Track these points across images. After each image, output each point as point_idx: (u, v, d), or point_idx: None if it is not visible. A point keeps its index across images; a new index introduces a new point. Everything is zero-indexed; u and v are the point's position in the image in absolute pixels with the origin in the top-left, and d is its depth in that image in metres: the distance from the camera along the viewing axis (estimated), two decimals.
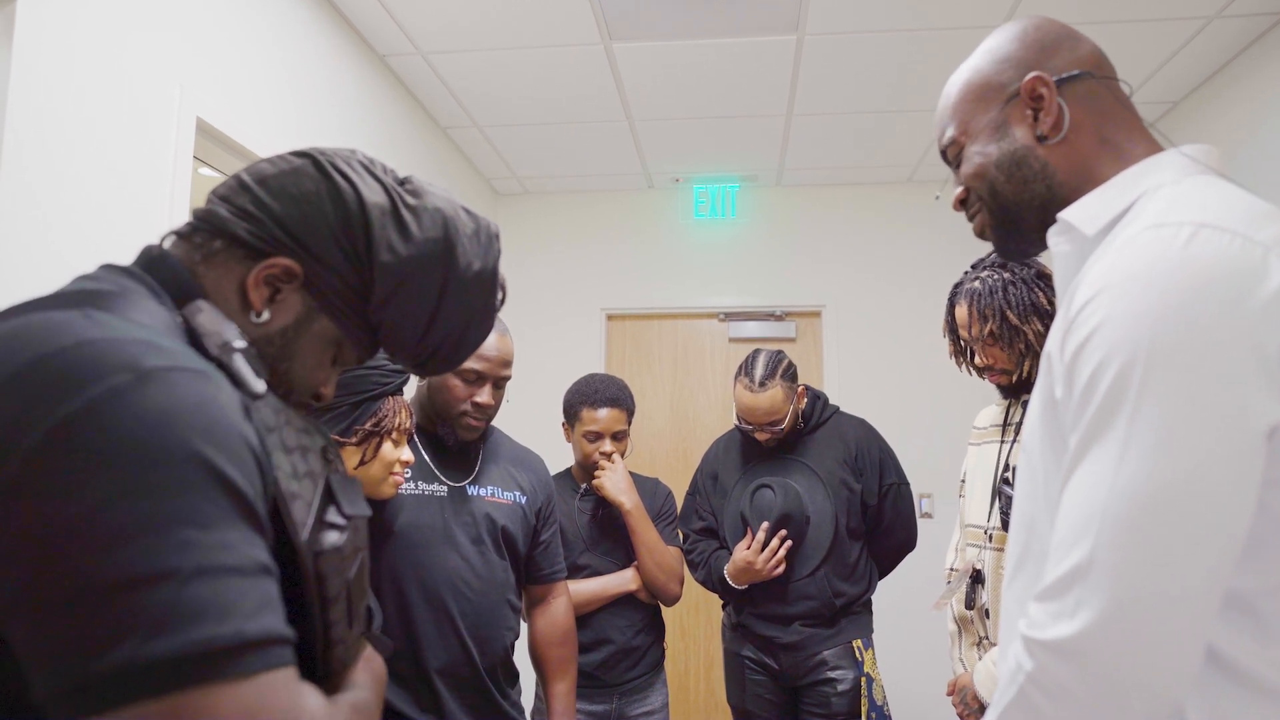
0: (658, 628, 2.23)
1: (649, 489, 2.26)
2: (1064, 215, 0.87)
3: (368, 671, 0.78)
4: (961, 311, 1.73)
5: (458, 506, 1.61)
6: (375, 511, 1.51)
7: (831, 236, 4.00)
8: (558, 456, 2.38)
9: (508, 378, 1.68)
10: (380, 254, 0.74)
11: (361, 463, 1.38)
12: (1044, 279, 1.68)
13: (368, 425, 1.38)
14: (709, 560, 2.29)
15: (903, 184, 3.97)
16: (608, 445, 2.15)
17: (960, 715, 1.77)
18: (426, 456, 1.63)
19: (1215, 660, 0.72)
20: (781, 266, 4.02)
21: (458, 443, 1.65)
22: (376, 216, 0.74)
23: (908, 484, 2.29)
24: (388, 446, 1.40)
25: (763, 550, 2.14)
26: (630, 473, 2.18)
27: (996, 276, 1.68)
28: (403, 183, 0.80)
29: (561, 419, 2.25)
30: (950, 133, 0.96)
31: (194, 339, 0.64)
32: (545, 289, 4.07)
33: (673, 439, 4.00)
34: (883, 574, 2.33)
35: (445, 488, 1.62)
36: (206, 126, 1.93)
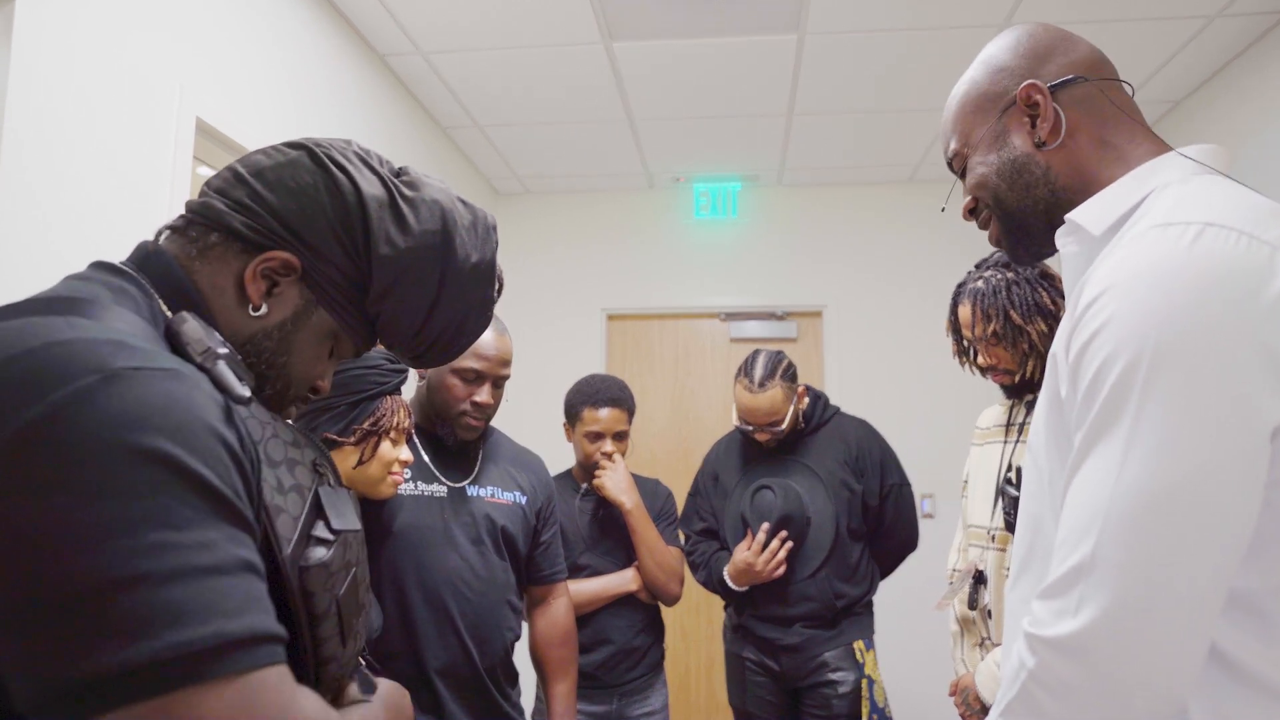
0: (658, 628, 2.23)
1: (649, 489, 2.25)
2: (1071, 216, 0.87)
3: (391, 708, 0.78)
4: (965, 311, 1.73)
5: (457, 507, 1.60)
6: (374, 512, 1.51)
7: (833, 236, 4.00)
8: (558, 457, 2.38)
9: (506, 377, 1.67)
10: (379, 247, 0.73)
11: (360, 462, 1.38)
12: (1047, 279, 1.68)
13: (366, 425, 1.37)
14: (710, 561, 2.28)
15: (904, 184, 3.97)
16: (609, 445, 2.14)
17: (962, 716, 1.76)
18: (426, 457, 1.63)
19: (1219, 660, 0.71)
20: (782, 266, 4.01)
21: (457, 443, 1.65)
22: (374, 209, 0.73)
23: (909, 485, 2.28)
24: (386, 446, 1.40)
25: (763, 551, 2.13)
26: (631, 473, 2.18)
27: (1000, 276, 1.68)
28: (399, 174, 0.79)
29: (562, 419, 2.25)
30: (954, 145, 0.98)
31: (177, 346, 0.62)
32: (545, 289, 4.06)
33: (673, 439, 3.99)
34: (884, 575, 2.32)
35: (445, 488, 1.61)
36: (206, 126, 1.93)
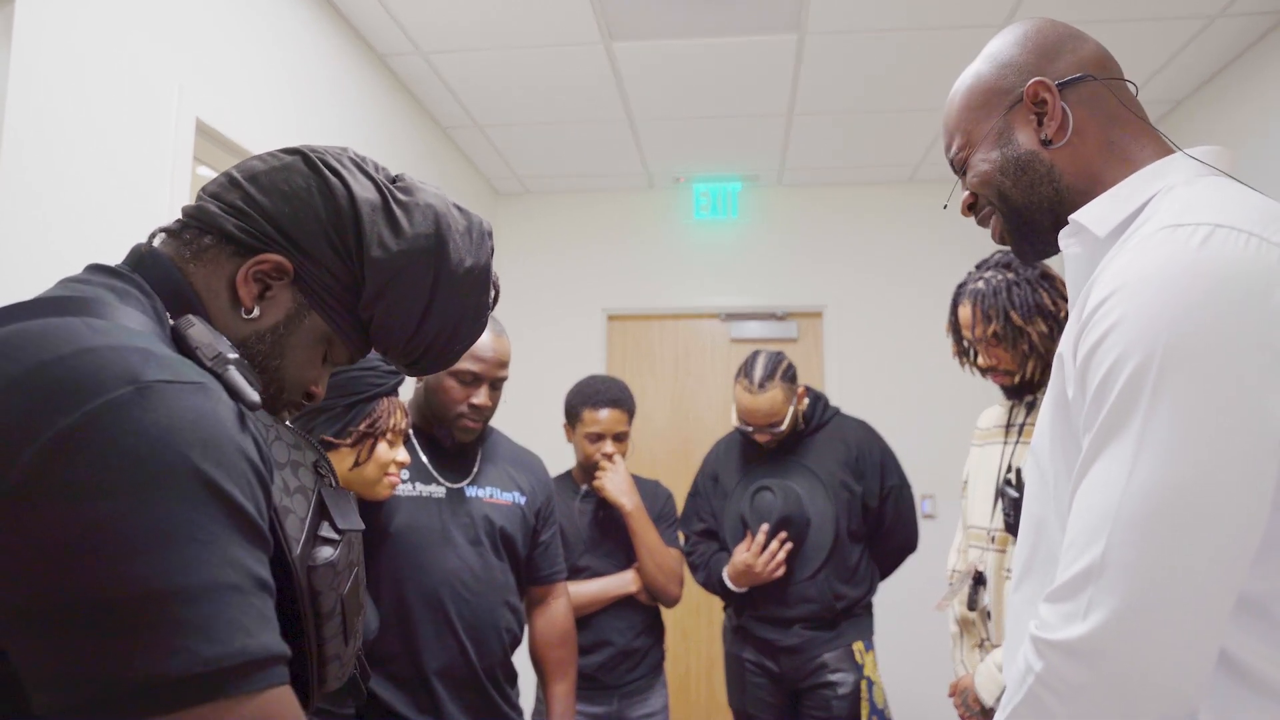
0: (658, 629, 2.23)
1: (649, 491, 2.25)
2: (1075, 217, 0.86)
3: None
4: (965, 312, 1.73)
5: (455, 508, 1.60)
6: (372, 513, 1.51)
7: (833, 236, 4.00)
8: (559, 457, 2.38)
9: (504, 379, 1.67)
10: (371, 250, 0.73)
11: (356, 464, 1.38)
12: (1048, 279, 1.68)
13: (362, 426, 1.37)
14: (709, 562, 2.28)
15: (904, 184, 3.96)
16: (609, 446, 2.14)
17: (962, 717, 1.76)
18: (424, 458, 1.63)
19: (1225, 663, 0.71)
20: (783, 267, 4.01)
21: (455, 444, 1.65)
22: (367, 212, 0.73)
23: (909, 486, 2.28)
24: (383, 447, 1.39)
25: (762, 552, 2.13)
26: (631, 474, 2.18)
27: (1000, 277, 1.68)
28: (394, 180, 0.79)
29: (562, 420, 2.25)
30: (956, 140, 0.96)
31: (185, 349, 0.63)
32: (545, 289, 4.06)
33: (674, 440, 3.99)
34: (884, 576, 2.32)
35: (443, 489, 1.61)
36: (206, 127, 1.93)
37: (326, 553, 0.72)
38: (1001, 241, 0.97)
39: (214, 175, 2.12)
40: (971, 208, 0.97)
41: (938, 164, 3.71)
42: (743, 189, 4.05)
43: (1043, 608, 0.74)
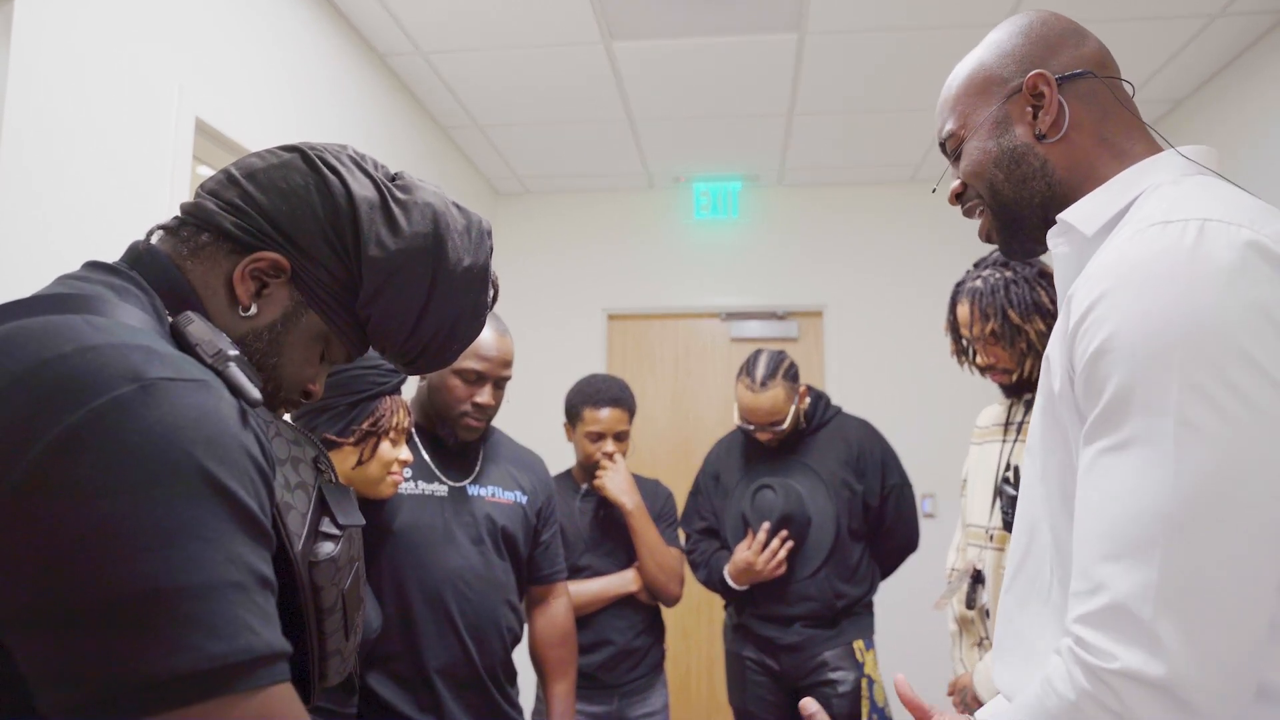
0: (658, 629, 2.23)
1: (649, 490, 2.25)
2: (1063, 216, 0.86)
3: None
4: (963, 310, 1.73)
5: (458, 506, 1.60)
6: (374, 511, 1.51)
7: (833, 236, 4.00)
8: (559, 457, 2.38)
9: (508, 378, 1.67)
10: (368, 248, 0.73)
11: (359, 462, 1.38)
12: (1046, 278, 1.68)
13: (365, 425, 1.37)
14: (710, 560, 2.28)
15: (905, 183, 3.96)
16: (609, 445, 2.14)
17: None
18: (426, 456, 1.63)
19: None
20: (783, 266, 4.01)
21: (458, 443, 1.65)
22: (365, 211, 0.73)
23: (910, 485, 2.28)
24: (385, 446, 1.39)
25: (763, 551, 2.13)
26: (631, 474, 2.18)
27: (998, 275, 1.68)
28: (393, 178, 0.79)
29: (563, 419, 2.25)
30: (950, 125, 0.95)
31: (185, 346, 0.63)
32: (546, 289, 4.06)
33: (674, 439, 3.99)
34: (884, 575, 2.32)
35: (445, 487, 1.61)
36: (206, 127, 1.93)
37: (328, 548, 0.72)
38: (988, 239, 0.96)
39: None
40: (959, 197, 0.96)
41: (938, 164, 3.71)
42: (743, 189, 4.05)
43: (1085, 631, 0.68)
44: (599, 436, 2.14)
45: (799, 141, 3.53)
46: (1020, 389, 1.73)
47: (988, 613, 1.71)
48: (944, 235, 3.81)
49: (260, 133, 2.11)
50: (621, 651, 2.11)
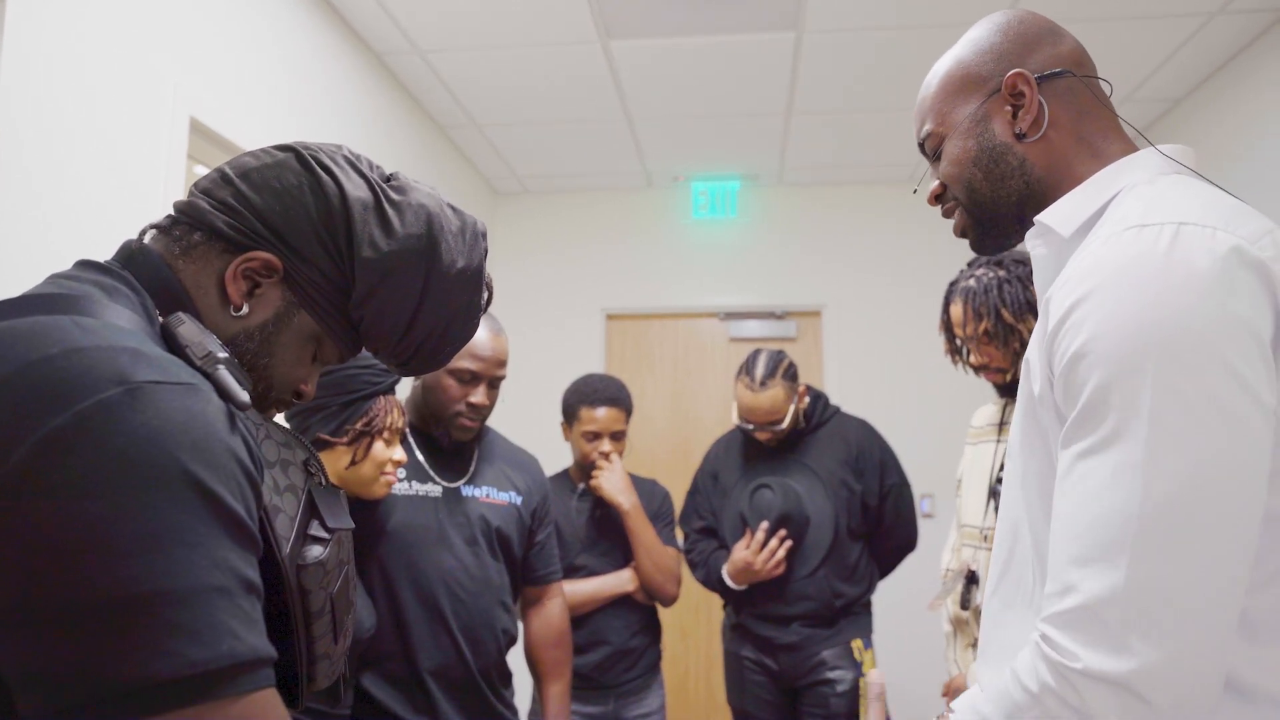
0: (654, 629, 2.23)
1: (646, 489, 2.25)
2: (1041, 218, 0.86)
3: None
4: (956, 310, 1.72)
5: (452, 507, 1.60)
6: (368, 512, 1.51)
7: (832, 236, 3.99)
8: (558, 457, 2.37)
9: (502, 377, 1.67)
10: (361, 249, 0.73)
11: (353, 463, 1.37)
12: None
13: (359, 425, 1.37)
14: (709, 560, 2.28)
15: (903, 183, 3.96)
16: (606, 445, 2.14)
17: None
18: (421, 457, 1.63)
19: None
20: (782, 266, 4.00)
21: (452, 443, 1.64)
22: (358, 211, 0.73)
23: (908, 485, 2.28)
24: (379, 446, 1.39)
25: (762, 550, 2.13)
26: (628, 473, 2.18)
27: (991, 274, 1.68)
28: (388, 179, 0.79)
29: (561, 419, 2.24)
30: (929, 125, 0.95)
31: (175, 347, 0.63)
32: (544, 289, 4.06)
33: (673, 439, 3.99)
34: (883, 574, 2.32)
35: (439, 488, 1.61)
36: (200, 126, 1.92)
37: (316, 551, 0.71)
38: (962, 235, 0.96)
39: None
40: (939, 198, 0.96)
41: None
42: (741, 188, 4.05)
43: (1052, 631, 0.69)
44: (595, 436, 2.14)
45: (797, 141, 3.52)
46: (1014, 388, 1.73)
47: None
48: (943, 235, 3.80)
49: (256, 132, 2.11)
50: (617, 652, 2.11)
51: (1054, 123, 0.87)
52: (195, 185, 0.75)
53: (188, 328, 0.64)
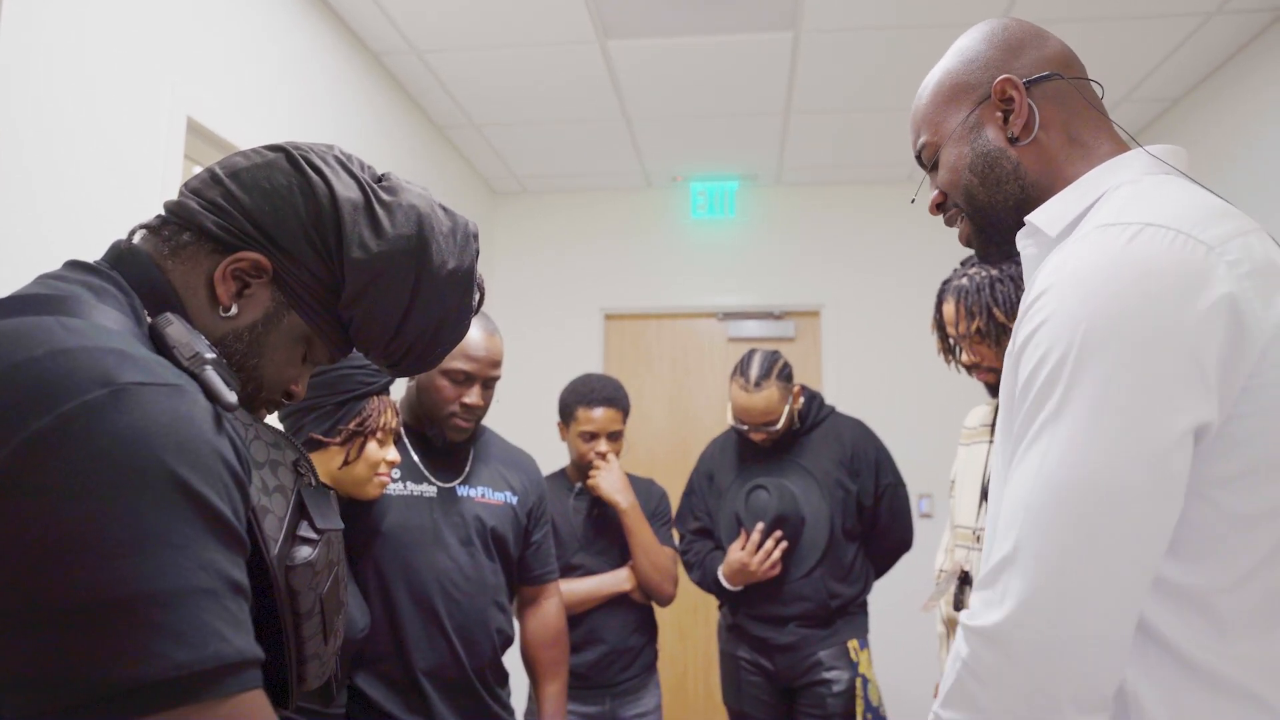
0: (651, 628, 2.23)
1: (643, 489, 2.25)
2: (1030, 218, 0.88)
3: None
4: (949, 308, 1.72)
5: (447, 507, 1.60)
6: (362, 512, 1.51)
7: (830, 236, 3.99)
8: (556, 456, 2.37)
9: (497, 378, 1.67)
10: (351, 250, 0.72)
11: (346, 463, 1.38)
12: None
13: (352, 425, 1.37)
14: (704, 561, 2.28)
15: (902, 182, 3.96)
16: (603, 445, 2.14)
17: None
18: (416, 457, 1.63)
19: (1175, 657, 0.72)
20: (780, 266, 4.00)
21: (446, 443, 1.64)
22: (348, 212, 0.73)
23: (903, 484, 2.28)
24: (373, 446, 1.39)
25: (758, 551, 2.13)
26: (625, 473, 2.18)
27: (984, 274, 1.68)
28: (380, 179, 0.79)
29: (558, 419, 2.24)
30: (924, 136, 0.97)
31: (162, 348, 0.63)
32: (543, 288, 4.06)
33: (671, 439, 3.99)
34: (879, 574, 2.32)
35: (434, 488, 1.61)
36: (198, 126, 1.93)
37: (305, 552, 0.72)
38: (967, 244, 0.98)
39: None
40: (940, 206, 0.98)
41: None
42: (740, 188, 4.05)
43: (972, 596, 0.77)
44: (592, 436, 2.14)
45: (795, 140, 3.52)
46: None
47: None
48: (941, 235, 3.80)
49: (253, 132, 2.11)
50: (614, 651, 2.11)
51: (1045, 125, 0.89)
52: (185, 185, 0.74)
53: (175, 328, 0.64)
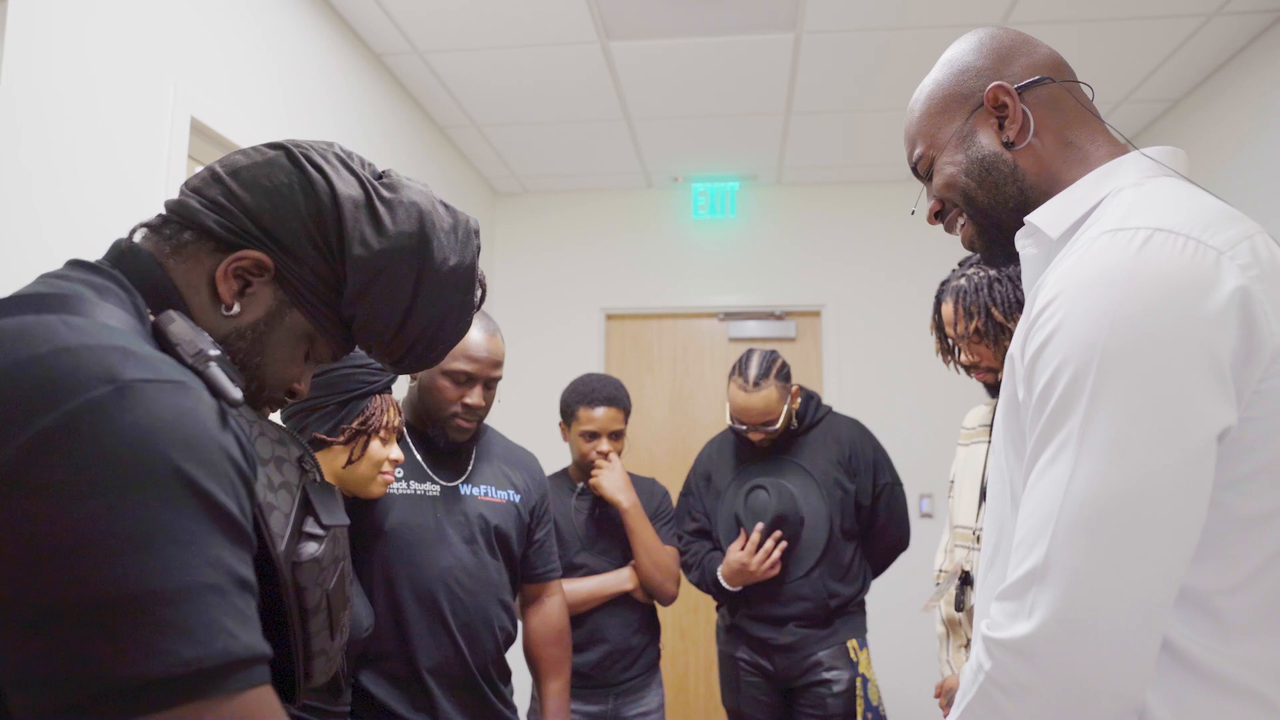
0: (654, 627, 2.23)
1: (645, 488, 2.25)
2: (1030, 219, 0.88)
3: None
4: (947, 309, 1.73)
5: (450, 506, 1.60)
6: (366, 511, 1.51)
7: (831, 236, 3.99)
8: (557, 456, 2.38)
9: (498, 378, 1.67)
10: (352, 247, 0.73)
11: (349, 462, 1.38)
12: None
13: (355, 424, 1.37)
14: (703, 561, 2.28)
15: (903, 183, 3.96)
16: (604, 444, 2.15)
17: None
18: (419, 456, 1.63)
19: (1179, 658, 0.72)
20: (781, 266, 4.01)
21: (448, 444, 1.65)
22: (349, 209, 0.73)
23: (901, 484, 2.28)
24: (376, 445, 1.40)
25: (757, 551, 2.13)
26: (627, 472, 2.18)
27: (982, 274, 1.68)
28: (380, 176, 0.79)
29: (559, 419, 2.25)
30: (919, 148, 0.98)
31: (166, 346, 0.63)
32: (544, 288, 4.06)
33: (672, 439, 3.99)
34: (876, 574, 2.32)
35: (438, 487, 1.61)
36: (201, 126, 1.93)
37: (311, 548, 0.72)
38: (970, 247, 0.99)
39: None
40: (939, 215, 0.99)
41: None
42: (740, 188, 4.05)
43: (993, 607, 0.76)
44: (593, 436, 2.15)
45: (796, 141, 3.53)
46: None
47: None
48: (942, 234, 3.79)
49: (256, 132, 2.11)
50: (617, 650, 2.11)
51: (1040, 129, 0.89)
52: (186, 184, 0.74)
53: (178, 326, 0.64)
